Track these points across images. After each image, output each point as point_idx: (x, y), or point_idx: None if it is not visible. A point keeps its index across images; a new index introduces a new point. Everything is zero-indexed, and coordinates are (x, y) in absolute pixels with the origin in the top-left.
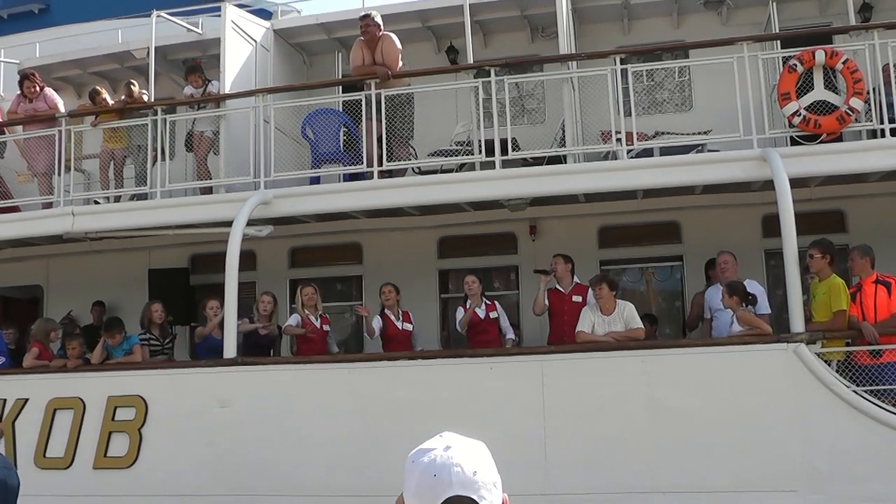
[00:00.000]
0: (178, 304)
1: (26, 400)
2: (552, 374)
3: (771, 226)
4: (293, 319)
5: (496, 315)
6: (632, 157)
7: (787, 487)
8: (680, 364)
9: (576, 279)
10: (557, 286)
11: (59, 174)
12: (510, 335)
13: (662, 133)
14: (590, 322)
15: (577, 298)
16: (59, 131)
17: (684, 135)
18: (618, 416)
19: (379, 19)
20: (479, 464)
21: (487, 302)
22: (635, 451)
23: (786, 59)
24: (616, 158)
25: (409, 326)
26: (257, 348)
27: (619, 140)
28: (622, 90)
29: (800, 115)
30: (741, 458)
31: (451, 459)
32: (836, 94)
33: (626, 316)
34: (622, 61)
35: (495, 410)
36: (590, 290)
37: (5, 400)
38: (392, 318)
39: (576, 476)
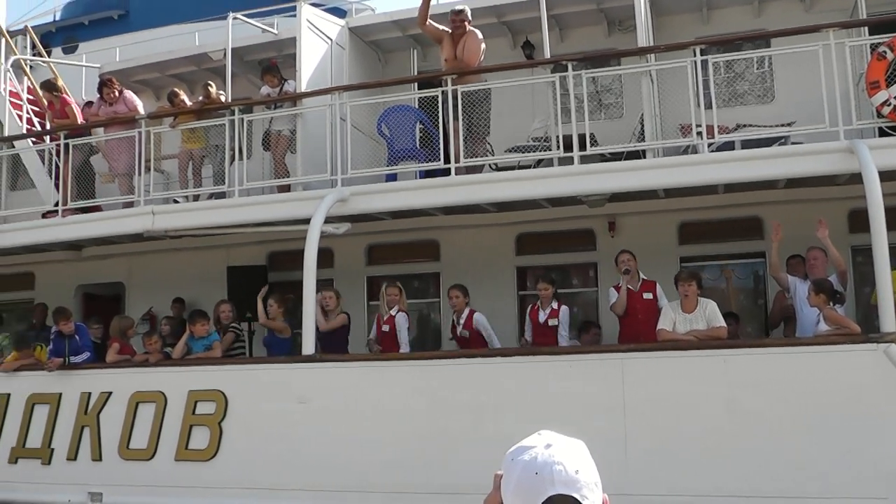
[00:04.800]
0: (256, 302)
1: (110, 393)
2: (632, 372)
3: (858, 221)
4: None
5: (555, 323)
6: (712, 151)
7: (877, 495)
8: (763, 364)
9: (642, 276)
10: (627, 284)
11: (140, 174)
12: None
13: (744, 126)
14: (671, 320)
15: (647, 296)
16: (139, 133)
17: (766, 127)
18: (699, 417)
19: (469, 15)
20: (581, 462)
21: (553, 307)
22: (717, 454)
23: (874, 46)
24: (696, 152)
25: (465, 333)
26: (332, 345)
27: (699, 134)
28: (702, 82)
29: (889, 104)
30: (828, 464)
31: (552, 458)
32: None
33: (709, 314)
34: (702, 52)
35: (574, 409)
36: (657, 286)
37: (90, 393)
38: (455, 321)
39: (656, 477)
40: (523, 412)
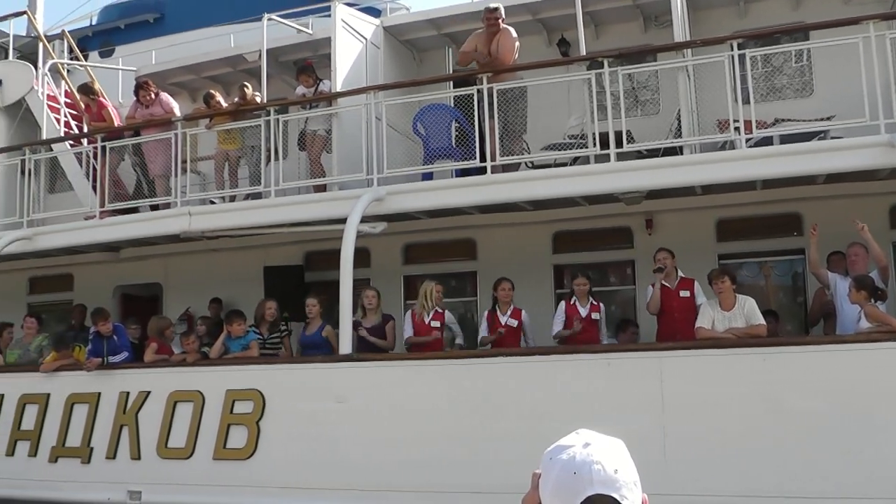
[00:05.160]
0: (293, 301)
1: (148, 393)
2: (671, 371)
3: None
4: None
5: (598, 316)
6: (750, 147)
7: None
8: (804, 362)
9: (680, 273)
10: (664, 281)
11: (176, 176)
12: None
13: (782, 120)
14: (709, 318)
15: (684, 293)
16: (175, 134)
17: (805, 121)
18: (738, 416)
19: (503, 13)
20: (620, 462)
21: (593, 302)
22: (757, 454)
23: None
24: (734, 148)
25: (514, 322)
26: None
27: (736, 129)
28: (739, 77)
29: None
30: (871, 464)
31: (590, 457)
32: None
33: (747, 311)
34: (739, 47)
35: (612, 408)
36: (695, 283)
37: (128, 393)
38: (499, 314)
39: (695, 477)
40: (561, 411)
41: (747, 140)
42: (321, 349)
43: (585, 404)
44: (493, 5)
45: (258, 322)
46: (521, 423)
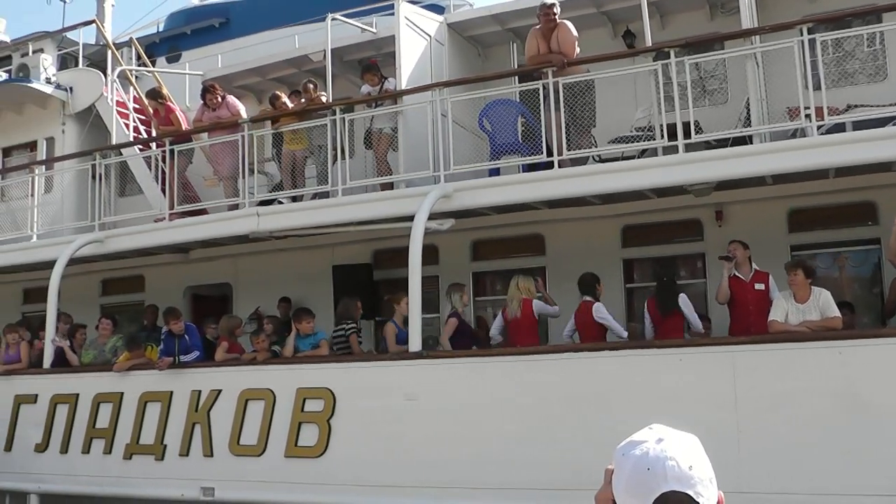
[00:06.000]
0: (362, 299)
1: (219, 391)
2: (744, 365)
3: None
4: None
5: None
6: (822, 134)
7: None
8: (882, 355)
9: (755, 266)
10: (737, 273)
11: (244, 177)
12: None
13: (855, 106)
14: (783, 310)
15: (759, 286)
16: (242, 136)
17: (879, 107)
18: (814, 411)
19: (558, 8)
20: (695, 458)
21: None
22: (834, 450)
23: None
24: (805, 136)
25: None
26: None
27: (807, 116)
28: (809, 62)
29: None
30: None
31: (664, 453)
32: None
33: (822, 304)
34: (809, 31)
35: (684, 403)
36: (770, 277)
37: (200, 391)
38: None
39: (771, 474)
40: (632, 406)
41: (819, 127)
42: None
43: (656, 400)
44: (548, 1)
45: (346, 319)
46: (590, 418)
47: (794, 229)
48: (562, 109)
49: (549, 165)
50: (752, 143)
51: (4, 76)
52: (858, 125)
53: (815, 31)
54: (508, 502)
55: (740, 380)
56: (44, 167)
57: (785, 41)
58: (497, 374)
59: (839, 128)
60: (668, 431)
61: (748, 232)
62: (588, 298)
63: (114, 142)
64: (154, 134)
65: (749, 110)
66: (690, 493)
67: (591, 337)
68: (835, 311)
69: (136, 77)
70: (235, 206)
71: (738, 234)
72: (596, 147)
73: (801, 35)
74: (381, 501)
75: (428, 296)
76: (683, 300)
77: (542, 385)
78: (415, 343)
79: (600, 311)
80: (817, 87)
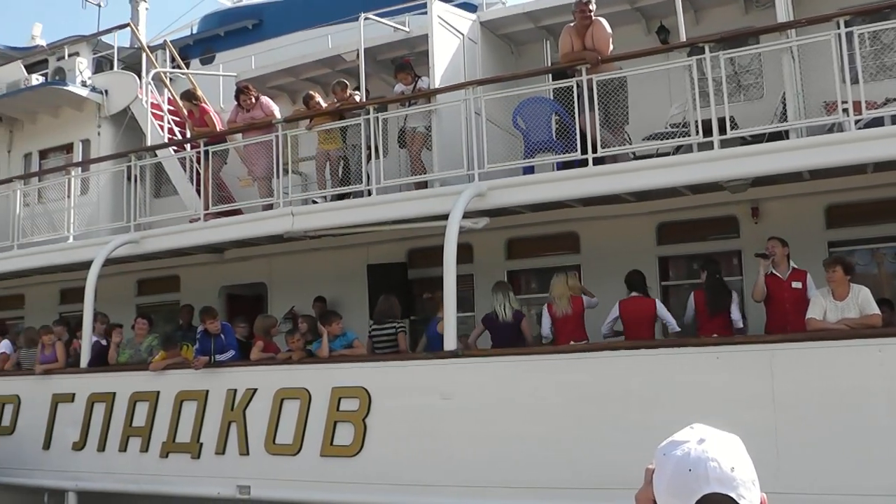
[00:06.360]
0: (397, 298)
1: (255, 390)
2: (782, 364)
3: None
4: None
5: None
6: (860, 128)
7: None
8: None
9: (792, 264)
10: (774, 271)
11: (278, 177)
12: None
13: (893, 100)
14: (821, 308)
15: (796, 285)
16: (276, 136)
17: None
18: (854, 410)
19: (594, 4)
20: (737, 459)
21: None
22: (876, 450)
23: None
24: (842, 130)
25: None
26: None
27: (845, 111)
28: (847, 56)
29: None
30: None
31: (706, 453)
32: None
33: (861, 301)
34: (846, 24)
35: (721, 402)
36: (808, 275)
37: (236, 390)
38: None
39: (810, 474)
40: (669, 405)
41: (857, 121)
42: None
43: (693, 399)
44: None
45: (390, 317)
46: (628, 417)
47: (832, 225)
48: (596, 107)
49: (584, 163)
50: (788, 138)
51: (41, 80)
52: None
53: (852, 24)
54: (545, 501)
55: (778, 378)
56: (80, 169)
57: (821, 34)
58: (533, 373)
59: (877, 122)
60: (709, 431)
61: (785, 228)
62: (636, 294)
63: (149, 143)
64: (189, 135)
65: (785, 105)
66: (733, 495)
67: (642, 332)
68: (874, 309)
69: (171, 79)
70: (270, 206)
71: (775, 230)
72: (630, 144)
73: (838, 28)
74: (417, 500)
75: (463, 294)
76: (735, 302)
77: (577, 384)
78: (450, 342)
79: (662, 308)
80: (855, 81)
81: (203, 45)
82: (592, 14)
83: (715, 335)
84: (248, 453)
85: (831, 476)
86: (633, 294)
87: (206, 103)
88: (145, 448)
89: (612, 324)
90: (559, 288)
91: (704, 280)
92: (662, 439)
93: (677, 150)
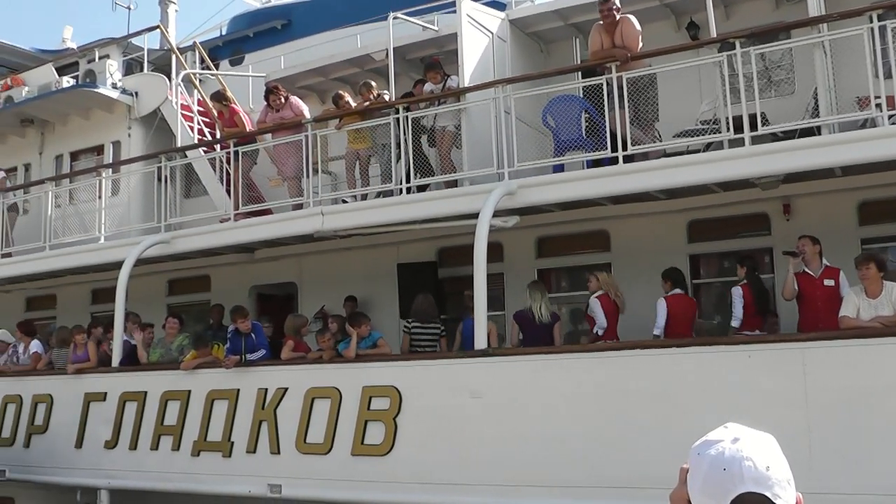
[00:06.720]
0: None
1: (286, 389)
2: (814, 362)
3: None
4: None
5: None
6: (893, 124)
7: None
8: None
9: (825, 262)
10: (806, 269)
11: (308, 177)
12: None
13: None
14: (854, 306)
15: (828, 282)
16: (306, 136)
17: None
18: (888, 409)
19: (618, 2)
20: (772, 458)
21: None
22: None
23: None
24: (875, 126)
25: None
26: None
27: (878, 106)
28: (880, 50)
29: None
30: None
31: (740, 452)
32: None
33: (895, 298)
34: (879, 18)
35: (753, 401)
36: (841, 273)
37: (266, 389)
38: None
39: (844, 474)
40: (700, 405)
41: (890, 117)
42: None
43: (725, 398)
44: None
45: (431, 317)
46: (659, 416)
47: (865, 222)
48: (626, 105)
49: (614, 161)
50: (820, 134)
51: (72, 82)
52: None
53: (886, 18)
54: (577, 501)
55: (811, 377)
56: (111, 170)
57: (854, 29)
58: (562, 372)
59: None
60: (744, 431)
61: (817, 225)
62: (678, 291)
63: (179, 144)
64: (218, 136)
65: (817, 100)
66: (768, 494)
67: (683, 330)
68: None
69: (200, 80)
70: (300, 206)
71: (807, 227)
72: (660, 141)
73: (871, 22)
74: (448, 499)
75: (493, 293)
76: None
77: (607, 382)
78: (480, 340)
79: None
80: (888, 76)
81: (232, 45)
82: (616, 13)
83: (756, 331)
84: (279, 452)
85: (866, 475)
86: (676, 291)
87: (235, 104)
88: (176, 447)
89: (664, 322)
90: (609, 277)
91: (745, 275)
92: (696, 439)
93: (708, 147)
